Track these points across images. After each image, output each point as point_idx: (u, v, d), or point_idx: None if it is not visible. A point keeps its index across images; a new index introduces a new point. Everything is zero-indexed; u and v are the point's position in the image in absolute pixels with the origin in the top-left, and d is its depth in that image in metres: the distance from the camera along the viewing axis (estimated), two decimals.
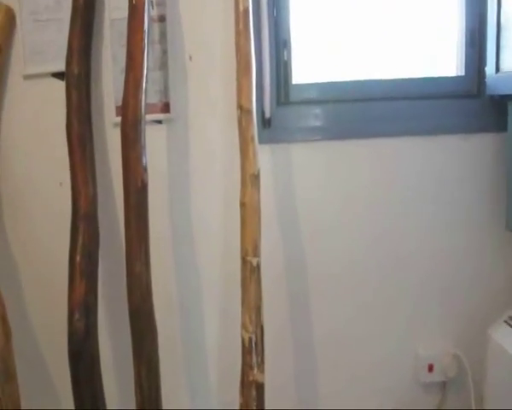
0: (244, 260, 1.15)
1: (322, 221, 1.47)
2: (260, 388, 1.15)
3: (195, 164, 1.43)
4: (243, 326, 1.15)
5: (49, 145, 1.40)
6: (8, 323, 1.23)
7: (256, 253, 1.14)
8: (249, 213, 1.16)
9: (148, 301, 1.17)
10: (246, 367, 1.14)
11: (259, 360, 1.15)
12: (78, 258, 1.23)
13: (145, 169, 1.21)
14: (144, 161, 1.21)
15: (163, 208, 1.42)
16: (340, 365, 1.52)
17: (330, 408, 1.53)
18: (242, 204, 1.17)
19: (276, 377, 1.42)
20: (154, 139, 1.38)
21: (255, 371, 1.14)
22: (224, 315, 1.45)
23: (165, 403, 1.23)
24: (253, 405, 1.14)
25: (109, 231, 1.37)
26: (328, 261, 1.47)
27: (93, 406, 1.19)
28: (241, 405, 1.16)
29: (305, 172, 1.45)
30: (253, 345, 1.14)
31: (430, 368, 1.52)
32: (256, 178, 1.18)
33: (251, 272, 1.14)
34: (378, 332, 1.52)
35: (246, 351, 1.14)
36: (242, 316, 1.15)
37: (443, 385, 1.55)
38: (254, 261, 1.14)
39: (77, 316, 1.19)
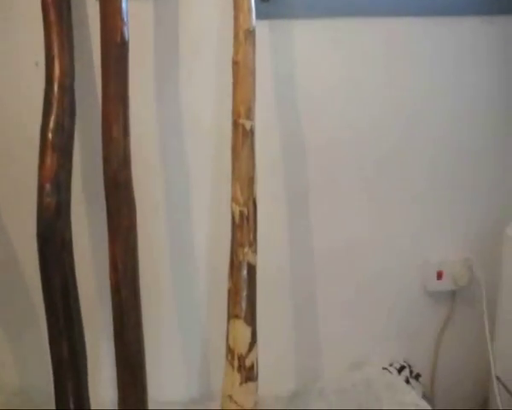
0: (236, 124, 0.99)
1: (324, 104, 1.30)
2: (252, 270, 1.01)
3: (186, 44, 1.26)
4: (233, 199, 1.01)
5: (23, 22, 1.25)
6: None
7: (249, 116, 0.99)
8: (242, 73, 1.00)
9: (125, 171, 1.02)
10: (236, 246, 1.00)
11: (251, 237, 1.01)
12: (49, 131, 1.07)
13: (125, 23, 1.04)
14: (124, 15, 1.05)
15: (147, 94, 1.27)
16: (343, 272, 1.38)
17: (331, 318, 1.42)
18: (235, 63, 1.01)
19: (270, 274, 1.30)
20: (139, 14, 1.22)
21: (246, 249, 1.00)
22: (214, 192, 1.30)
23: (145, 290, 1.10)
24: (244, 288, 1.00)
25: (89, 107, 1.21)
26: (330, 148, 1.30)
27: (63, 292, 1.06)
28: (230, 289, 1.02)
29: (307, 51, 1.27)
30: (245, 220, 1.00)
31: (439, 276, 1.39)
32: (251, 34, 1.02)
33: (243, 137, 0.99)
34: (383, 237, 1.38)
35: (236, 227, 1.00)
36: (233, 188, 1.01)
37: (452, 294, 1.43)
38: (247, 124, 0.99)
39: (47, 192, 1.04)
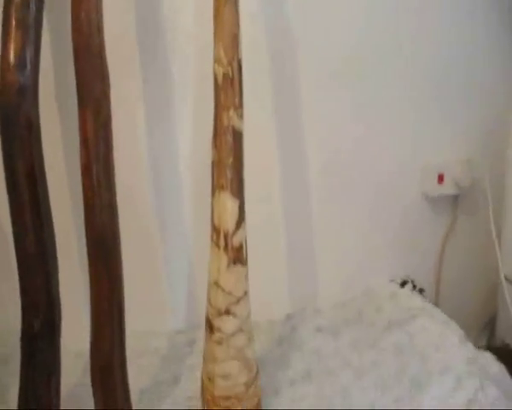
0: None
1: None
2: (238, 136, 0.90)
3: None
4: (216, 60, 0.89)
5: None
6: None
7: None
8: None
9: (98, 38, 0.89)
10: (219, 110, 0.88)
11: (237, 101, 0.89)
12: (13, 5, 0.98)
13: None
14: None
15: None
16: (337, 181, 1.28)
17: (326, 233, 1.32)
18: None
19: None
20: None
21: (231, 112, 0.89)
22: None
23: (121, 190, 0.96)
24: (229, 155, 0.89)
25: None
26: (322, 49, 1.18)
27: (29, 180, 0.94)
28: (214, 159, 0.91)
29: None
30: (229, 82, 0.88)
31: (440, 179, 1.29)
32: None
33: None
34: (379, 141, 1.28)
35: (220, 90, 0.89)
36: (216, 48, 0.89)
37: (455, 200, 1.33)
38: None
39: (10, 69, 0.94)
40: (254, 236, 1.05)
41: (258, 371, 1.03)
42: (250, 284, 1.00)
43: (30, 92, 0.95)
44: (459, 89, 1.28)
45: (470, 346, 1.10)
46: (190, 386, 1.16)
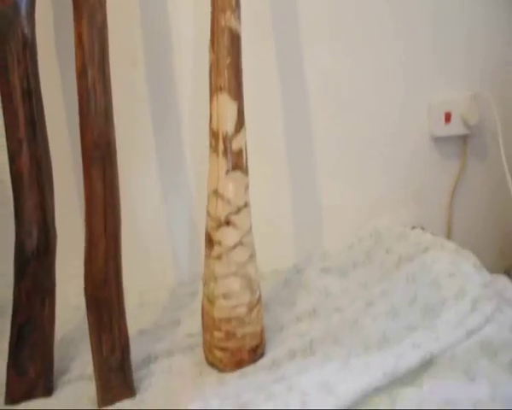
0: None
1: None
2: (235, 38, 0.87)
3: None
4: None
5: None
6: None
7: None
8: None
9: None
10: (217, 12, 0.87)
11: (233, 3, 0.87)
12: None
13: None
14: None
15: None
16: (340, 121, 1.24)
17: (329, 179, 1.27)
18: None
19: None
20: None
21: (228, 14, 0.86)
22: None
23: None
24: (227, 55, 0.86)
25: None
26: None
27: (25, 95, 0.91)
28: (212, 61, 0.88)
29: None
30: None
31: (447, 118, 1.25)
32: None
33: None
34: (383, 77, 1.24)
35: None
36: None
37: (463, 141, 1.28)
38: None
39: None
40: (258, 183, 1.02)
41: (260, 296, 0.98)
42: (255, 233, 0.96)
43: (25, 8, 0.94)
44: (464, 21, 1.24)
45: (485, 272, 1.03)
46: (191, 327, 1.10)
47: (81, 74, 0.88)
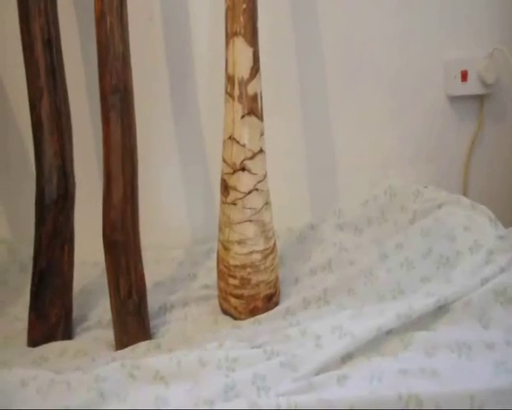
0: None
1: None
2: None
3: None
4: None
5: None
6: None
7: None
8: None
9: None
10: None
11: None
12: None
13: None
14: None
15: None
16: (355, 78, 1.22)
17: (344, 138, 1.25)
18: None
19: None
20: None
21: None
22: None
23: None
24: (243, 1, 0.85)
25: None
26: None
27: (45, 44, 0.91)
28: (228, 6, 0.88)
29: None
30: None
31: (463, 76, 1.23)
32: None
33: None
34: (397, 33, 1.21)
35: None
36: None
37: (480, 102, 1.26)
38: None
39: None
40: (274, 144, 1.02)
41: (275, 244, 0.98)
42: (270, 191, 0.96)
43: None
44: None
45: (500, 225, 1.02)
46: (206, 280, 1.11)
47: (100, 20, 0.88)
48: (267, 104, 0.96)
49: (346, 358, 0.78)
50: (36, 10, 0.93)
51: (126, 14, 0.91)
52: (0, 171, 1.21)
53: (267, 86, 0.95)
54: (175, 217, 1.28)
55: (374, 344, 0.82)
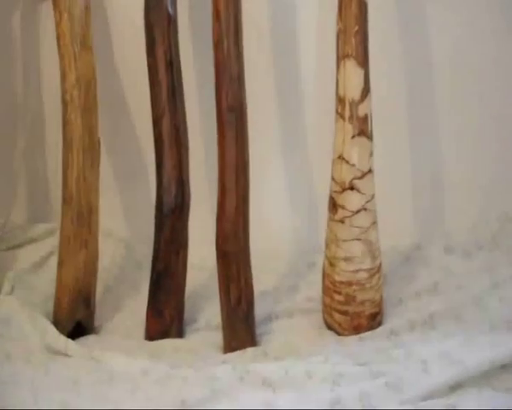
0: None
1: None
2: (363, 5, 0.87)
3: None
4: None
5: None
6: None
7: None
8: None
9: None
10: None
11: None
12: None
13: None
14: None
15: None
16: (465, 92, 1.15)
17: (455, 155, 1.17)
18: None
19: None
20: None
21: None
22: None
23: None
24: (355, 23, 0.85)
25: None
26: None
27: (168, 66, 0.99)
28: (339, 30, 0.87)
29: None
30: None
31: None
32: None
33: None
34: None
35: None
36: None
37: None
38: None
39: None
40: (381, 161, 1.00)
41: (381, 264, 0.96)
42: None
43: None
44: None
45: None
46: (310, 293, 1.11)
47: (217, 44, 0.94)
48: (376, 123, 0.96)
49: (456, 387, 0.75)
50: (160, 36, 1.01)
51: (242, 36, 0.95)
52: (122, 177, 1.32)
53: (376, 105, 0.95)
54: (280, 228, 1.29)
55: (486, 376, 0.78)
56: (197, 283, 1.21)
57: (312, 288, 1.12)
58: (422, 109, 1.18)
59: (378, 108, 0.98)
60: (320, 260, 1.07)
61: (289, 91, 1.19)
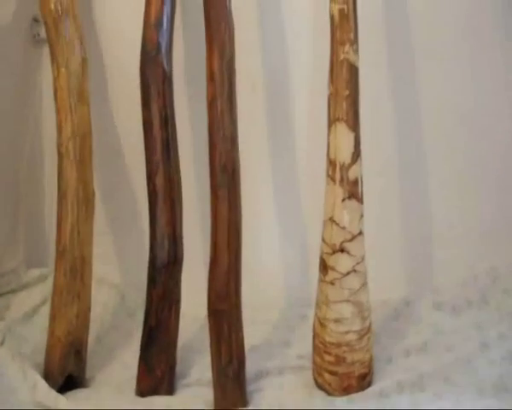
0: None
1: None
2: (354, 70, 0.89)
3: None
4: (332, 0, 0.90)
5: None
6: (85, 47, 1.07)
7: None
8: None
9: None
10: (335, 45, 0.89)
11: (352, 36, 0.88)
12: None
13: None
14: None
15: None
16: (457, 146, 1.15)
17: (444, 209, 1.18)
18: None
19: None
20: None
21: (347, 47, 0.88)
22: None
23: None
24: (345, 88, 0.87)
25: None
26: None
27: (162, 123, 1.00)
28: (331, 93, 0.89)
29: None
30: (344, 17, 0.88)
31: None
32: None
33: None
34: (497, 94, 1.13)
35: (335, 26, 0.89)
36: None
37: None
38: None
39: (150, 26, 1.02)
40: (370, 213, 0.99)
41: (371, 324, 0.96)
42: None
43: (165, 46, 1.04)
44: None
45: None
46: (301, 349, 1.10)
47: (211, 104, 0.95)
48: (366, 180, 0.96)
49: None
50: (155, 93, 1.02)
51: (235, 96, 0.96)
52: (115, 224, 1.31)
53: (365, 166, 0.95)
54: (271, 277, 1.28)
55: None
56: (189, 334, 1.20)
57: (304, 343, 1.10)
58: (411, 167, 1.19)
59: (369, 168, 0.99)
60: (311, 313, 1.06)
61: (282, 148, 1.20)
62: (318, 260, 0.94)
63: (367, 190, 0.96)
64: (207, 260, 1.00)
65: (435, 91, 1.15)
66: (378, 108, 1.13)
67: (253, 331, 1.19)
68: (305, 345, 1.08)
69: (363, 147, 0.94)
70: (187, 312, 1.14)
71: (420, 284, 1.20)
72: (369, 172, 0.97)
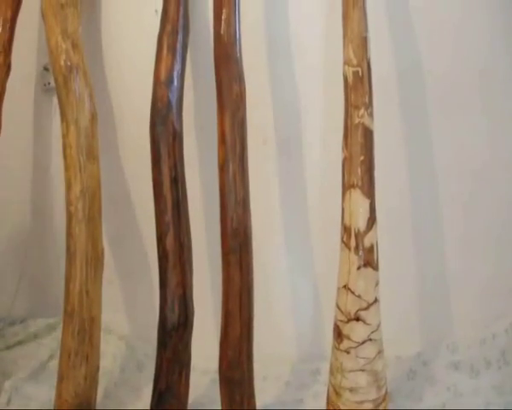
0: None
1: None
2: (368, 134, 0.86)
3: None
4: (346, 61, 0.89)
5: None
6: (95, 103, 1.08)
7: None
8: None
9: (236, 46, 0.96)
10: (350, 108, 0.87)
11: (367, 99, 0.86)
12: (165, 34, 1.04)
13: None
14: None
15: None
16: (473, 204, 1.13)
17: (460, 266, 1.15)
18: None
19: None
20: None
21: (361, 111, 0.86)
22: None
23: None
24: (360, 153, 0.85)
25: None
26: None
27: (172, 182, 0.97)
28: (345, 158, 0.87)
29: None
30: (359, 81, 0.86)
31: None
32: None
33: None
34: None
35: (350, 89, 0.87)
36: (345, 50, 0.89)
37: None
38: None
39: (160, 85, 1.01)
40: (384, 266, 0.95)
41: (387, 392, 0.92)
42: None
43: (176, 105, 1.03)
44: None
45: None
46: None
47: (223, 168, 0.93)
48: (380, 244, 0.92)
49: None
50: (165, 152, 1.00)
51: (247, 160, 0.94)
52: (124, 274, 1.29)
53: (381, 233, 0.92)
54: (282, 331, 1.25)
55: None
56: (200, 389, 1.16)
57: (316, 401, 1.07)
58: (427, 224, 1.16)
59: (385, 235, 0.95)
60: (324, 367, 1.03)
61: (295, 211, 1.18)
62: (332, 327, 0.91)
63: (381, 249, 0.92)
64: (218, 320, 0.97)
65: (450, 150, 1.12)
66: (391, 169, 1.10)
67: (265, 387, 1.16)
68: (317, 404, 1.04)
69: (377, 209, 0.91)
70: (198, 364, 1.12)
71: (435, 339, 1.16)
72: (384, 234, 0.94)
